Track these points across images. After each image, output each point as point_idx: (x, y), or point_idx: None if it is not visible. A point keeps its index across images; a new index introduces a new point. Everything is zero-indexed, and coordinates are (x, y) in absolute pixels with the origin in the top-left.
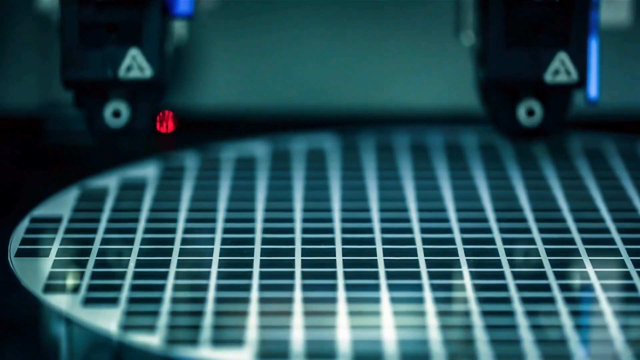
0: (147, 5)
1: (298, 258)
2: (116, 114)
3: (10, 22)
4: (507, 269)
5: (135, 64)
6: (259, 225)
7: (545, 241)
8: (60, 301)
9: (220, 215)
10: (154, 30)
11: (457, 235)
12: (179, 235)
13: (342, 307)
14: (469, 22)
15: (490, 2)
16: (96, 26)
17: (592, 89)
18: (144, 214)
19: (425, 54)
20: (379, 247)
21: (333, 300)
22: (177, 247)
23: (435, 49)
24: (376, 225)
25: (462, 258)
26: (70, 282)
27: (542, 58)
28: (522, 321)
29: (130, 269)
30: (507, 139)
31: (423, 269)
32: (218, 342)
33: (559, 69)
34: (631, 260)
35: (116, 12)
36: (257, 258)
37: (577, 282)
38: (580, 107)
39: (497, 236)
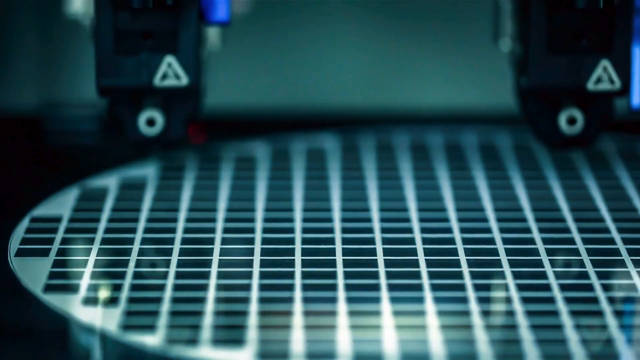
0: (184, 12)
1: (298, 258)
2: (150, 122)
3: (10, 22)
4: (507, 269)
5: (171, 72)
6: (258, 225)
7: (545, 241)
8: (59, 300)
9: (220, 215)
10: (191, 38)
11: (457, 235)
12: (178, 235)
13: (342, 307)
14: (507, 28)
15: (532, 9)
16: (132, 33)
17: (636, 97)
18: (143, 214)
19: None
20: (379, 247)
21: (333, 300)
22: (177, 247)
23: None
24: (376, 225)
25: (462, 258)
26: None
27: (584, 66)
28: (522, 321)
29: (130, 269)
30: (547, 147)
31: (423, 269)
32: (218, 342)
33: (602, 76)
34: (631, 260)
35: (152, 19)
36: (257, 258)
37: (577, 282)
38: (623, 115)
39: (497, 236)
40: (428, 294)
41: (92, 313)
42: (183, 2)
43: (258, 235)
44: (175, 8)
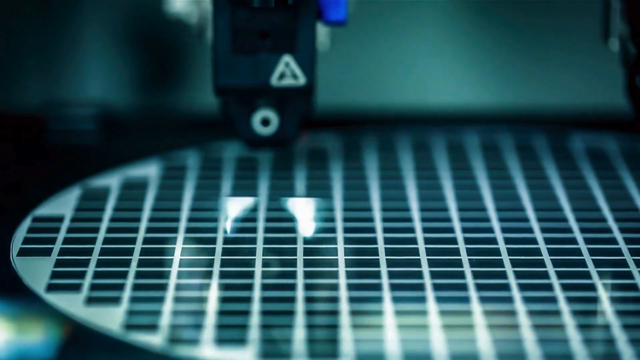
0: (302, 12)
1: (300, 257)
2: (265, 122)
3: (12, 22)
4: (509, 269)
5: (288, 71)
6: (260, 225)
7: (547, 241)
8: (61, 300)
9: (222, 214)
10: (308, 37)
11: (459, 235)
12: (180, 235)
13: (344, 306)
14: (617, 28)
15: None
16: (249, 33)
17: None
18: (145, 213)
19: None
20: (380, 246)
21: (335, 300)
22: (178, 246)
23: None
24: (378, 224)
25: (465, 258)
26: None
27: None
28: (523, 320)
29: (133, 268)
30: None
31: (425, 269)
32: (220, 341)
33: None
34: (633, 260)
35: (270, 19)
36: (259, 257)
37: (578, 281)
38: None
39: (499, 236)
40: (430, 294)
41: (94, 312)
42: (302, 1)
43: (260, 235)
44: (293, 7)
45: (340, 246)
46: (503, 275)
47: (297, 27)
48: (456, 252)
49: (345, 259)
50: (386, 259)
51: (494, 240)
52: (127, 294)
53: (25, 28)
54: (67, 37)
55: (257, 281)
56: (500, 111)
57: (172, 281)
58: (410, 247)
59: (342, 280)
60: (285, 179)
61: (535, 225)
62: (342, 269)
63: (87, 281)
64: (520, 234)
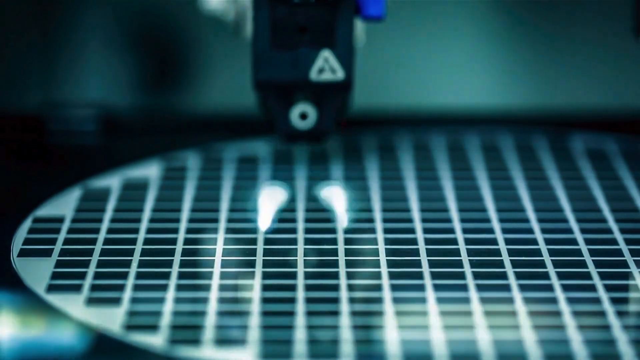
0: (341, 7)
1: (300, 258)
2: (303, 116)
3: (12, 21)
4: (509, 269)
5: (327, 66)
6: (261, 225)
7: (547, 241)
8: (62, 301)
9: (223, 215)
10: (347, 32)
11: (460, 235)
12: (181, 235)
13: (344, 307)
14: None
15: None
16: (289, 28)
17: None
18: (146, 214)
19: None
20: (381, 246)
21: (335, 300)
22: (179, 247)
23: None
24: (378, 225)
25: (465, 258)
26: None
27: None
28: (524, 321)
29: (133, 269)
30: None
31: (425, 269)
32: (221, 342)
33: None
34: (633, 260)
35: (309, 13)
36: (259, 258)
37: (579, 282)
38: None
39: (499, 236)
40: (430, 294)
41: (95, 313)
42: None
43: (260, 235)
44: (332, 2)
45: (341, 247)
46: (503, 275)
47: (336, 22)
48: (456, 252)
49: (345, 259)
50: (386, 259)
51: (494, 241)
52: (127, 294)
53: (25, 28)
54: (67, 38)
55: (257, 282)
56: (500, 112)
57: (173, 282)
58: (411, 248)
59: (343, 281)
60: (285, 180)
61: (535, 225)
62: (342, 270)
63: (88, 282)
64: (520, 235)
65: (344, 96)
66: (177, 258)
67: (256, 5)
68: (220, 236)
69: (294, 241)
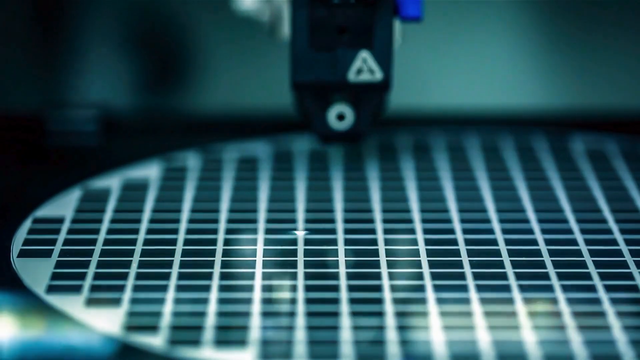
0: (380, 7)
1: (300, 259)
2: (340, 117)
3: (12, 22)
4: (509, 270)
5: (365, 67)
6: (261, 226)
7: (547, 242)
8: (62, 301)
9: (223, 215)
10: (386, 33)
11: (460, 236)
12: (181, 236)
13: (344, 308)
14: None
15: None
16: (327, 28)
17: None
18: (146, 215)
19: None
20: (381, 247)
21: (336, 301)
22: (179, 247)
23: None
24: (379, 225)
25: (465, 258)
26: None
27: None
28: (524, 322)
29: (133, 270)
30: None
31: (425, 270)
32: (221, 342)
33: None
34: (633, 261)
35: (348, 14)
36: (259, 259)
37: (579, 282)
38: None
39: (499, 237)
40: (430, 295)
41: (94, 314)
42: None
43: (260, 236)
44: (371, 3)
45: (341, 247)
46: (504, 276)
47: (375, 22)
48: (457, 253)
49: (345, 260)
50: (386, 260)
51: (494, 242)
52: (127, 295)
53: (26, 29)
54: (68, 39)
55: (258, 282)
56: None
57: (173, 282)
58: (411, 248)
59: (343, 282)
60: (285, 180)
61: (535, 226)
62: (342, 270)
63: (88, 282)
64: (521, 235)
65: (381, 97)
66: (177, 259)
67: (295, 5)
68: (220, 237)
69: (294, 242)
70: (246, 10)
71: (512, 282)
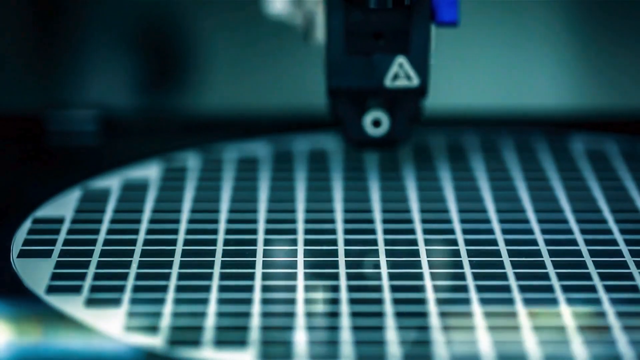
0: (416, 12)
1: (300, 259)
2: (376, 123)
3: (13, 22)
4: (509, 270)
5: (402, 73)
6: (261, 226)
7: (547, 242)
8: (62, 302)
9: (223, 216)
10: (423, 38)
11: (460, 236)
12: (181, 236)
13: (344, 308)
14: None
15: None
16: (363, 34)
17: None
18: (146, 215)
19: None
20: (381, 248)
21: (335, 302)
22: (179, 248)
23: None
24: (379, 226)
25: (465, 259)
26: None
27: None
28: (524, 322)
29: (133, 270)
30: None
31: (425, 270)
32: (221, 343)
33: None
34: (634, 261)
35: (384, 19)
36: (259, 259)
37: (579, 283)
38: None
39: (499, 237)
40: (430, 295)
41: (94, 314)
42: (416, 2)
43: (260, 237)
44: (407, 8)
45: (341, 247)
46: (504, 276)
47: (411, 27)
48: (457, 253)
49: (345, 260)
50: (386, 260)
51: (494, 242)
52: (127, 295)
53: (26, 29)
54: (68, 39)
55: (258, 283)
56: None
57: (173, 283)
58: (411, 249)
59: (343, 282)
60: (285, 180)
61: (535, 226)
62: (342, 271)
63: (88, 283)
64: (520, 236)
65: (417, 103)
66: (177, 259)
67: (330, 10)
68: (220, 237)
69: (293, 242)
70: (277, 14)
71: (512, 282)
